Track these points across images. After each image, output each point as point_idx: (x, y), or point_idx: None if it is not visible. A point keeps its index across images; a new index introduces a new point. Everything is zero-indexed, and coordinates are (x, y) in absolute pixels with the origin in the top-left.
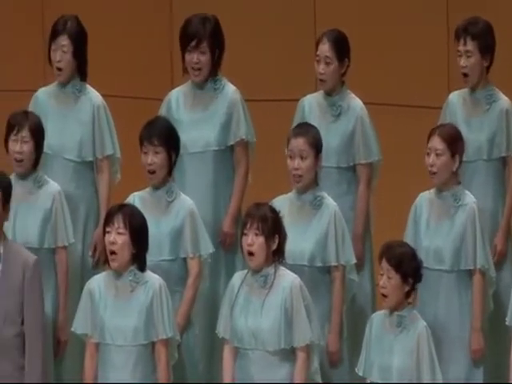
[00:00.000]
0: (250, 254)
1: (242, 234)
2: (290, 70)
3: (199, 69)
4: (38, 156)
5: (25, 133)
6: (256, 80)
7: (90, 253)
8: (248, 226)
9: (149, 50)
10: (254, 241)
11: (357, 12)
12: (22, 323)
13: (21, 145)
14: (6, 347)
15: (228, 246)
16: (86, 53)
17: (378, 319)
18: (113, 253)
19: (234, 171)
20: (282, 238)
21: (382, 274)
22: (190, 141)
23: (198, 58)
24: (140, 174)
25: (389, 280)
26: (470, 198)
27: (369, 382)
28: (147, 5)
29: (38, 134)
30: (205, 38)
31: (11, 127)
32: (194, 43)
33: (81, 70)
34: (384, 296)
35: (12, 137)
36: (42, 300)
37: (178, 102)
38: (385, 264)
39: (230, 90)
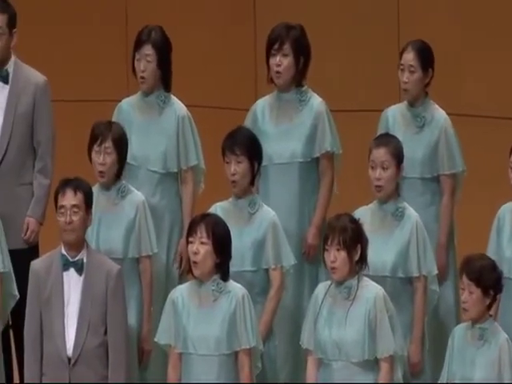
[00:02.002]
0: (333, 268)
1: (324, 248)
2: (374, 81)
3: (279, 72)
4: (121, 166)
5: (108, 144)
6: (341, 90)
7: (176, 263)
8: (329, 241)
9: (233, 60)
10: (336, 257)
11: (441, 23)
12: (105, 333)
13: (104, 156)
14: (89, 357)
15: (312, 257)
16: (171, 63)
17: (460, 332)
18: (195, 262)
19: (318, 182)
20: (364, 246)
21: (463, 289)
22: (276, 152)
23: (280, 60)
24: (224, 185)
25: (470, 295)
26: None
27: None
28: (230, 16)
29: (121, 145)
30: (287, 41)
31: (94, 138)
32: (276, 46)
33: (165, 80)
34: (465, 310)
35: (95, 147)
36: (125, 310)
37: (263, 113)
38: (465, 279)
39: (316, 101)
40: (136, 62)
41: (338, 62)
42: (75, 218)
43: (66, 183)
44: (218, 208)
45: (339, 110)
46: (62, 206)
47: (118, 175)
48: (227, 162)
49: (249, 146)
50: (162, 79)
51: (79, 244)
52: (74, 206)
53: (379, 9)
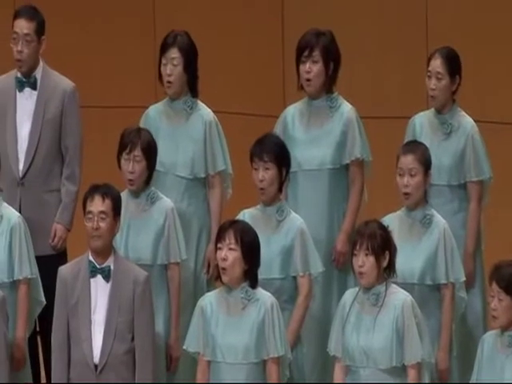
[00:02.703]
0: (361, 273)
1: (353, 253)
2: (402, 88)
3: (309, 79)
4: (150, 174)
5: (137, 152)
6: (371, 97)
7: (204, 269)
8: (358, 245)
9: (260, 66)
10: (364, 262)
11: (469, 31)
12: (133, 340)
13: (133, 164)
14: (116, 364)
15: (341, 264)
16: (197, 68)
17: (489, 339)
18: (224, 269)
19: (348, 189)
20: (393, 253)
21: (492, 296)
22: (306, 158)
23: (310, 66)
24: (251, 190)
25: (500, 302)
26: None
27: None
28: (259, 21)
29: (150, 152)
30: (317, 47)
31: (124, 146)
32: (306, 53)
33: (192, 84)
34: (494, 318)
35: (124, 155)
36: (152, 317)
37: (293, 120)
38: (495, 286)
39: (346, 108)
40: (162, 67)
41: (367, 69)
42: (102, 225)
43: (94, 189)
44: (245, 214)
45: (369, 116)
46: (90, 212)
47: (147, 182)
48: (255, 169)
49: (277, 153)
50: (188, 83)
51: (106, 251)
52: (101, 212)
53: (408, 16)
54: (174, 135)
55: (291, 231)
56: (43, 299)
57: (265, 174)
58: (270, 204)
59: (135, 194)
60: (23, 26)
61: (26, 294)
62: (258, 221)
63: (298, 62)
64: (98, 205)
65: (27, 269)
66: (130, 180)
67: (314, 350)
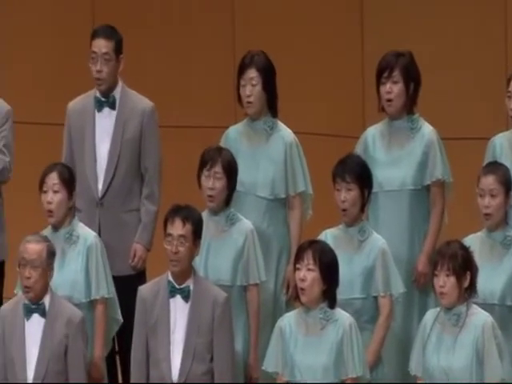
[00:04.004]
0: (442, 293)
1: (433, 273)
2: (482, 109)
3: (390, 100)
4: (230, 193)
5: (217, 169)
6: (452, 119)
7: (284, 290)
8: (439, 266)
9: (340, 87)
10: (445, 282)
11: None
12: (211, 360)
13: (213, 181)
14: None
15: (422, 285)
16: (275, 86)
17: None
18: (303, 289)
19: (428, 210)
20: (474, 274)
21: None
22: (386, 179)
23: (391, 87)
24: (331, 211)
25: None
26: None
27: None
28: (338, 41)
29: (230, 170)
30: (397, 67)
31: (204, 163)
32: (386, 73)
33: (271, 104)
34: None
35: (205, 172)
36: (232, 338)
37: (374, 141)
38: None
39: (427, 129)
40: (241, 88)
41: (445, 91)
42: (181, 249)
43: (176, 211)
44: (327, 235)
45: (449, 137)
46: (170, 235)
47: (227, 202)
48: (337, 190)
49: (359, 174)
50: (268, 103)
51: (185, 273)
52: (181, 236)
53: (487, 36)
54: (255, 156)
55: (373, 251)
56: (120, 317)
57: (347, 194)
58: (352, 224)
59: (215, 213)
60: (102, 45)
61: (104, 314)
62: (340, 241)
63: (378, 83)
64: (178, 228)
65: (104, 288)
66: (210, 196)
67: (395, 370)
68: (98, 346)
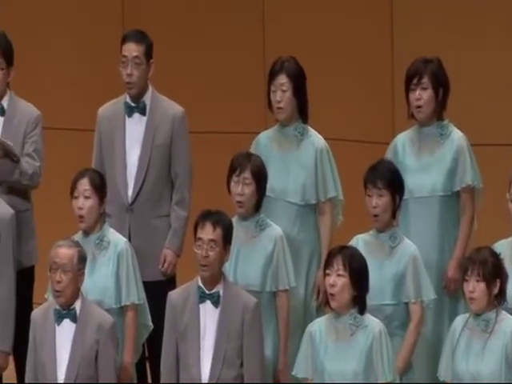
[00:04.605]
0: (472, 299)
1: (463, 279)
2: (510, 115)
3: (420, 106)
4: (259, 198)
5: (247, 174)
6: (481, 125)
7: (314, 296)
8: (469, 271)
9: (370, 93)
10: (475, 287)
11: None
12: (241, 366)
13: (242, 187)
14: None
15: (452, 291)
16: (306, 92)
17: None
18: (333, 295)
19: (459, 217)
20: (504, 280)
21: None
22: (416, 185)
23: (420, 94)
24: (361, 217)
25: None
26: None
27: None
28: (368, 48)
29: (259, 176)
30: (426, 74)
31: (233, 168)
32: (415, 80)
33: (302, 110)
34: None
35: (234, 178)
36: (262, 343)
37: (403, 147)
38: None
39: (457, 135)
40: (272, 94)
41: (474, 96)
42: (211, 253)
43: (206, 215)
44: (359, 240)
45: (478, 143)
46: (200, 239)
47: (257, 208)
48: (369, 195)
49: (391, 180)
50: (298, 108)
51: (215, 278)
52: (211, 240)
53: None
54: (285, 161)
55: (404, 258)
56: (150, 324)
57: (378, 200)
58: (383, 230)
59: (244, 219)
60: (132, 49)
61: (134, 320)
62: (371, 247)
63: (408, 90)
64: (208, 233)
65: (134, 294)
66: (239, 202)
67: (425, 376)
68: (127, 352)
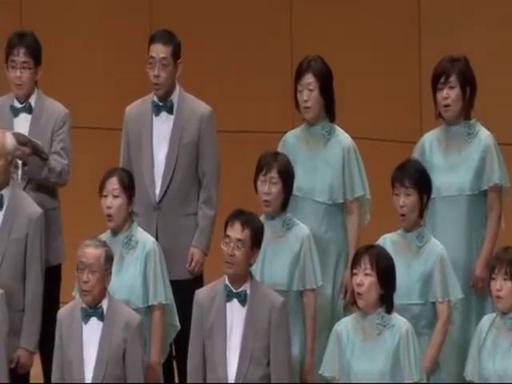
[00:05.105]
0: (499, 297)
1: (491, 277)
2: None
3: (448, 105)
4: (286, 198)
5: (273, 174)
6: (506, 123)
7: (341, 295)
8: (496, 270)
9: (398, 92)
10: (502, 286)
11: None
12: (268, 365)
13: (269, 186)
14: None
15: (479, 290)
16: (333, 91)
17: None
18: (360, 294)
19: (486, 216)
20: None
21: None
22: (444, 185)
23: (448, 93)
24: (389, 216)
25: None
26: None
27: None
28: (396, 47)
29: (286, 175)
30: (453, 73)
31: (260, 168)
32: (442, 79)
33: (329, 109)
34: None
35: (260, 177)
36: (289, 342)
37: (431, 146)
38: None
39: (484, 134)
40: (298, 94)
41: (501, 95)
42: (237, 253)
43: (237, 215)
44: (386, 240)
45: (506, 143)
46: (228, 237)
47: (284, 207)
48: (396, 194)
49: (418, 179)
50: (325, 107)
51: (241, 277)
52: (238, 240)
53: None
54: (312, 161)
55: (431, 257)
56: (178, 324)
57: (406, 199)
58: (411, 230)
59: (271, 218)
60: (160, 50)
61: (161, 320)
62: (399, 246)
63: (435, 89)
64: (236, 232)
65: (162, 294)
66: (266, 201)
67: (453, 376)
68: (154, 352)
